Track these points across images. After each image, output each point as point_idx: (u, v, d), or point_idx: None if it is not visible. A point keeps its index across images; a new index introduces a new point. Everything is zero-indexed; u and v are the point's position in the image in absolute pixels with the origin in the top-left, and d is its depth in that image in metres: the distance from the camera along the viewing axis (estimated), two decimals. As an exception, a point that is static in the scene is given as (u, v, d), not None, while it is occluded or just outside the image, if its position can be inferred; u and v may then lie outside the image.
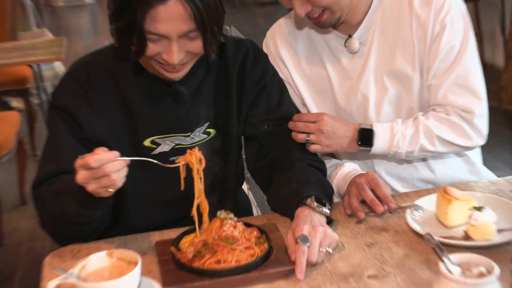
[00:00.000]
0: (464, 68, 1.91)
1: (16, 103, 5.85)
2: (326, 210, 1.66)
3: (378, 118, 2.01)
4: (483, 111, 1.93)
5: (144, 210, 1.84)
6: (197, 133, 1.81)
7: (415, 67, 1.95)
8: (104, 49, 1.81)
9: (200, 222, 1.65)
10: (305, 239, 1.55)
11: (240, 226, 1.66)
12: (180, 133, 1.78)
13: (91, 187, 1.43)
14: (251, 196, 2.51)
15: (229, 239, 1.60)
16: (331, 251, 1.61)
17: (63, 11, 11.89)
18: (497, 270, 1.33)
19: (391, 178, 2.10)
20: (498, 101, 5.46)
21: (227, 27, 2.65)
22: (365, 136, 1.91)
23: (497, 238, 1.65)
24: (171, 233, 1.77)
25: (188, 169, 1.59)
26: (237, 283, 1.55)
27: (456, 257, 1.40)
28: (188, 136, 1.79)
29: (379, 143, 1.91)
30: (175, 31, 1.57)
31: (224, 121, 1.87)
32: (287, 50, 2.06)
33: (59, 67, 6.35)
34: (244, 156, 2.06)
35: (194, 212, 1.56)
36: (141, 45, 1.60)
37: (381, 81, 1.99)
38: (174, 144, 1.78)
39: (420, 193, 1.96)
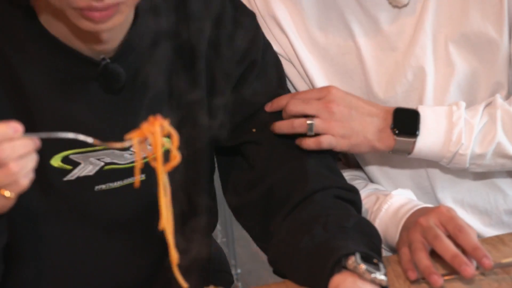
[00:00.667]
0: None
1: None
2: (381, 276, 1.14)
3: None
4: None
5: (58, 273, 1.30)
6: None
7: (503, 29, 1.38)
8: None
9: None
10: None
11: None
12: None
13: None
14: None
15: None
16: None
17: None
18: None
19: (463, 211, 1.46)
20: None
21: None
22: (405, 120, 1.32)
23: None
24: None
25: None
26: None
27: None
28: (127, 149, 1.27)
29: (429, 135, 1.32)
30: None
31: (187, 121, 1.30)
32: (286, 6, 1.44)
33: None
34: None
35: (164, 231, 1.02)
36: None
37: (445, 53, 1.40)
38: (102, 164, 1.27)
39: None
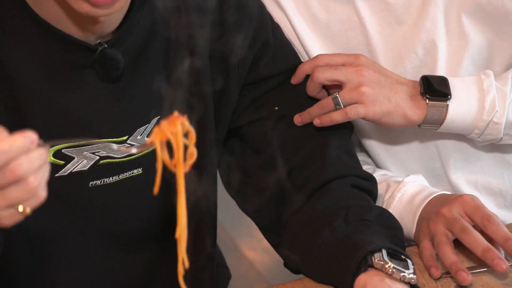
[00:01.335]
0: None
1: None
2: (411, 275, 1.08)
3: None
4: None
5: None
6: (138, 137, 1.22)
7: None
8: None
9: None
10: None
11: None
12: (110, 137, 1.21)
13: None
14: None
15: None
16: None
17: None
18: None
19: (478, 192, 1.38)
20: None
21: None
22: (435, 85, 1.24)
23: None
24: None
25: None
26: None
27: None
28: (124, 141, 1.21)
29: (461, 102, 1.25)
30: None
31: (191, 111, 1.18)
32: None
33: None
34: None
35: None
36: None
37: (457, 25, 1.32)
38: (97, 158, 1.20)
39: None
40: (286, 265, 1.23)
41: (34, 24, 1.09)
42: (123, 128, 1.20)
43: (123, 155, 1.20)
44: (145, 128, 1.20)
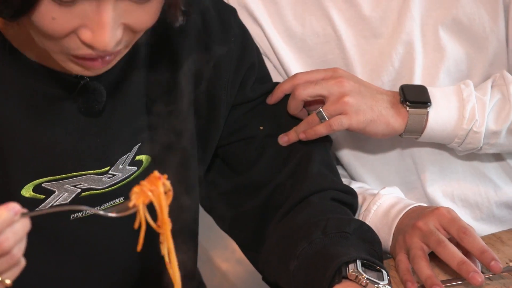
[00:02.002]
0: None
1: None
2: (386, 286, 1.07)
3: None
4: None
5: None
6: (120, 166, 1.16)
7: (497, 12, 1.31)
8: None
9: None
10: None
11: None
12: (91, 169, 1.15)
13: None
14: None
15: None
16: None
17: None
18: None
19: (454, 204, 1.36)
20: None
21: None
22: (415, 93, 1.25)
23: None
24: None
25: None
26: None
27: None
28: (106, 172, 1.14)
29: (441, 110, 1.25)
30: None
31: (171, 137, 1.17)
32: None
33: None
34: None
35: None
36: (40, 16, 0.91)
37: (433, 37, 1.32)
38: (79, 190, 1.14)
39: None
40: (264, 279, 1.21)
41: (12, 57, 1.05)
42: (105, 159, 1.15)
43: (105, 186, 1.15)
44: (127, 157, 1.17)
